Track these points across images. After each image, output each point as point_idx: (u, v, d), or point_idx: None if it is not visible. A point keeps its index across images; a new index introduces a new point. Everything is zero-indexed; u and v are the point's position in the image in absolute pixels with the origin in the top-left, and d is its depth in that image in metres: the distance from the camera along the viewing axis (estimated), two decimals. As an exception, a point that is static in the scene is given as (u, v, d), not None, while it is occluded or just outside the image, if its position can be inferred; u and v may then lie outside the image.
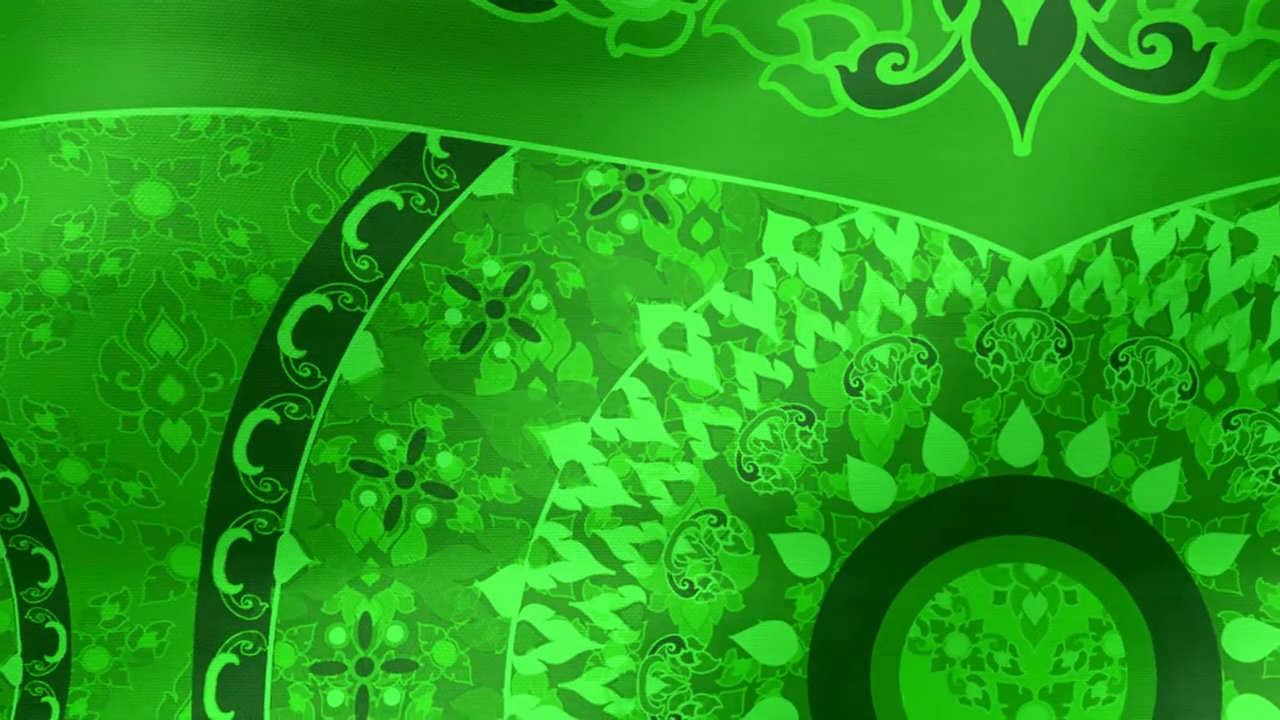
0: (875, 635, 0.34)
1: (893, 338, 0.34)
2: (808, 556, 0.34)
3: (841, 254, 0.34)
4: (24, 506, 0.32)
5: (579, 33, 0.33)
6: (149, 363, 0.32)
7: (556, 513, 0.34)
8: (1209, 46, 0.32)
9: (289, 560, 0.34)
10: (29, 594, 0.32)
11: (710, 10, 0.33)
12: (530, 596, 0.34)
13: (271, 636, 0.33)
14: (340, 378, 0.33)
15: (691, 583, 0.34)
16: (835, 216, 0.34)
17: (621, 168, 0.34)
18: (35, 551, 0.33)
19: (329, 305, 0.33)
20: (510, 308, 0.34)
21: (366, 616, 0.34)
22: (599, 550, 0.34)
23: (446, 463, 0.34)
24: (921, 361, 0.34)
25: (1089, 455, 0.34)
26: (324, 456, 0.34)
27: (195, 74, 0.31)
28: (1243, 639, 0.34)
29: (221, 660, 0.33)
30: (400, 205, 0.33)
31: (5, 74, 0.30)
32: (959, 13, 0.33)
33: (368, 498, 0.34)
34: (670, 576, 0.34)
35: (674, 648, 0.34)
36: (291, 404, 0.33)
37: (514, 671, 0.33)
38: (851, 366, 0.34)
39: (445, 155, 0.33)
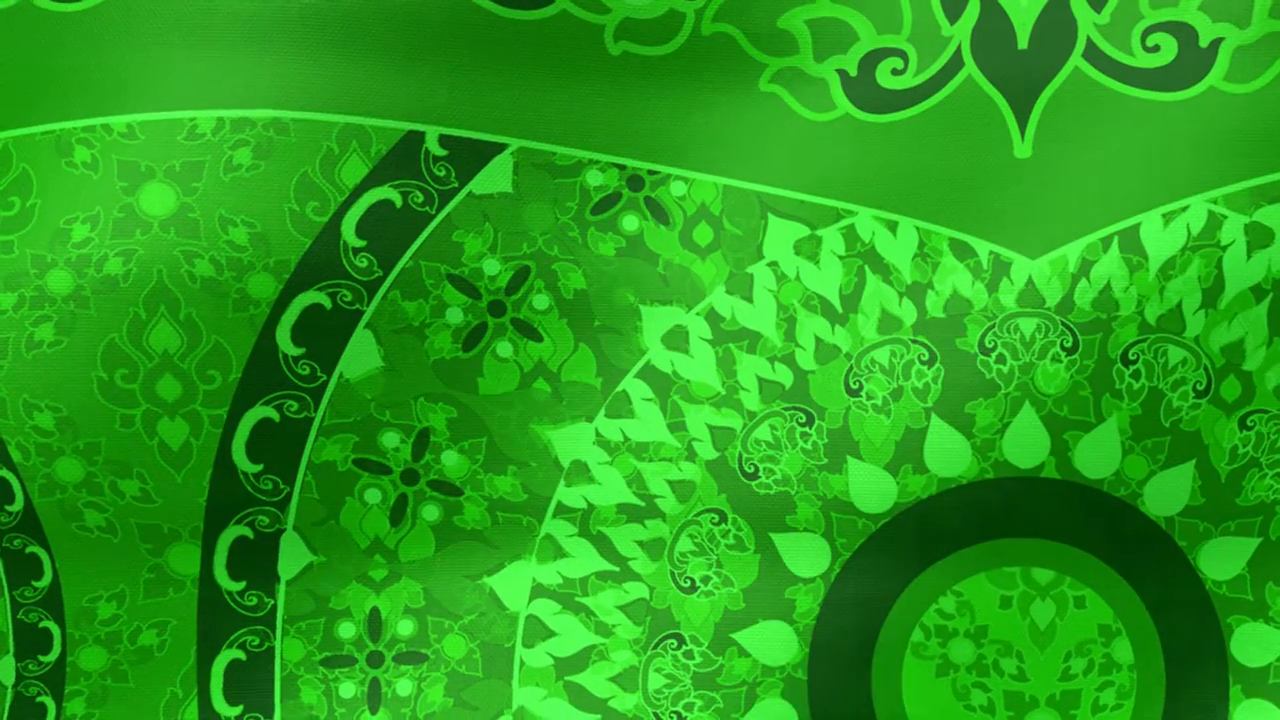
0: (877, 638, 0.33)
1: (893, 339, 0.33)
2: (808, 556, 0.33)
3: (841, 258, 0.33)
4: (19, 505, 0.32)
5: (577, 30, 0.32)
6: (148, 360, 0.31)
7: (562, 510, 0.33)
8: (1217, 42, 0.31)
9: (293, 557, 0.33)
10: (22, 593, 0.32)
11: (709, 8, 0.32)
12: (537, 591, 0.33)
13: (279, 632, 0.33)
14: (340, 376, 0.33)
15: (693, 580, 0.33)
16: (835, 221, 0.33)
17: (622, 168, 0.33)
18: (29, 550, 0.32)
19: (328, 303, 0.32)
20: (512, 307, 0.33)
21: (375, 611, 0.33)
22: (604, 547, 0.34)
23: (452, 461, 0.33)
24: (922, 363, 0.33)
25: (1099, 456, 0.32)
26: (325, 454, 0.33)
27: (203, 77, 0.31)
28: (1251, 644, 0.32)
29: (227, 656, 0.33)
30: (399, 203, 0.32)
31: (23, 84, 0.31)
32: (959, 17, 0.32)
33: (372, 495, 0.33)
34: (673, 573, 0.33)
35: (675, 644, 0.33)
36: (291, 402, 0.32)
37: (522, 664, 0.33)
38: (851, 368, 0.33)
39: (444, 153, 0.33)
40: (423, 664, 0.33)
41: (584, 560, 0.33)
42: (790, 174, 0.33)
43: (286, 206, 0.32)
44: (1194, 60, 0.31)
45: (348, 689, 0.33)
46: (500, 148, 0.33)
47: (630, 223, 0.33)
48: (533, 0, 0.32)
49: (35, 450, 0.31)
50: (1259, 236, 0.31)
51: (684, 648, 0.33)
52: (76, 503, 0.32)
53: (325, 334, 0.32)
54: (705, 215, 0.33)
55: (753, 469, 0.33)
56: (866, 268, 0.33)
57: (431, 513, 0.33)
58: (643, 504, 0.33)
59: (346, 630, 0.33)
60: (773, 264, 0.33)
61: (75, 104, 0.31)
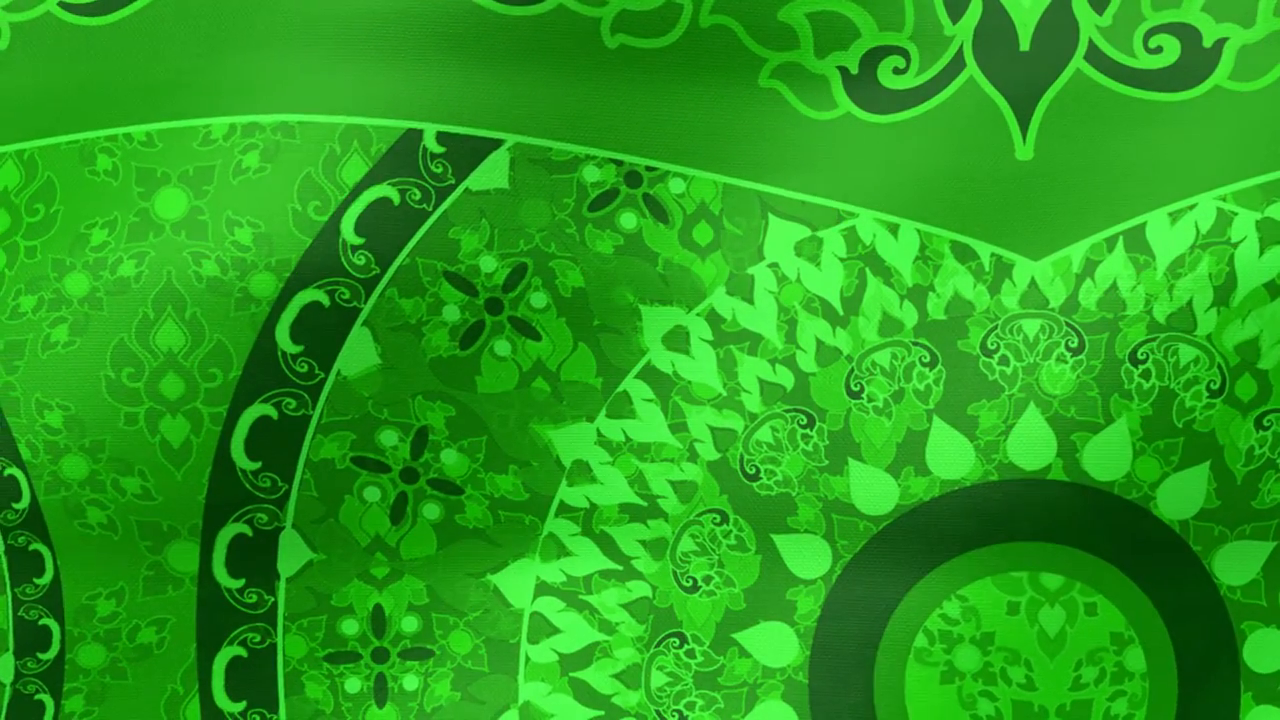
0: (879, 642, 0.32)
1: (894, 342, 0.32)
2: (809, 558, 0.32)
3: (842, 260, 0.32)
4: (25, 503, 0.32)
5: (574, 23, 0.32)
6: (153, 359, 0.31)
7: (565, 509, 0.33)
8: (1221, 42, 0.30)
9: (292, 555, 0.33)
10: (24, 590, 0.32)
11: (708, 0, 0.32)
12: (541, 589, 0.32)
13: (280, 629, 0.33)
14: (338, 373, 0.32)
15: (695, 580, 0.33)
16: (836, 222, 0.32)
17: (619, 164, 0.32)
18: (33, 548, 0.32)
19: (326, 301, 0.32)
20: (509, 305, 0.32)
21: (379, 608, 0.33)
22: (607, 546, 0.33)
23: (451, 460, 0.33)
24: (923, 365, 0.32)
25: (1108, 458, 0.31)
26: (324, 452, 0.33)
27: (216, 85, 0.32)
28: (1263, 650, 0.31)
29: (229, 653, 0.33)
30: (397, 200, 0.32)
31: (50, 95, 0.32)
32: (960, 16, 0.31)
33: (371, 493, 0.33)
34: (675, 573, 0.33)
35: (678, 643, 0.33)
36: (289, 399, 0.32)
37: (528, 660, 0.32)
38: (852, 370, 0.32)
39: (441, 150, 0.32)
40: (429, 659, 0.33)
41: (587, 559, 0.33)
42: (791, 174, 0.32)
43: (290, 206, 0.32)
44: (1197, 60, 0.30)
45: (353, 684, 0.33)
46: (497, 143, 0.32)
47: (628, 220, 0.32)
48: (530, -5, 0.32)
49: (44, 448, 0.32)
50: (1272, 232, 0.30)
51: (686, 647, 0.33)
52: (80, 500, 0.32)
53: (323, 332, 0.32)
54: (705, 214, 0.32)
55: (754, 470, 0.33)
56: (867, 270, 0.32)
57: (432, 511, 0.33)
58: (645, 504, 0.33)
59: (350, 627, 0.33)
60: (773, 265, 0.32)
61: (98, 114, 0.32)
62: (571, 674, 0.32)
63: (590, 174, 0.32)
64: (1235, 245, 0.30)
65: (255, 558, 0.33)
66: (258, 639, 0.33)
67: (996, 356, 0.31)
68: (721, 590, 0.33)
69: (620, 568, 0.33)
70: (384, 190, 0.32)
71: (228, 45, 0.32)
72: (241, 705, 0.33)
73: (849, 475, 0.32)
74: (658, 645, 0.33)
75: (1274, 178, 0.30)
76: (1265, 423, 0.30)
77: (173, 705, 0.33)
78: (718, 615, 0.33)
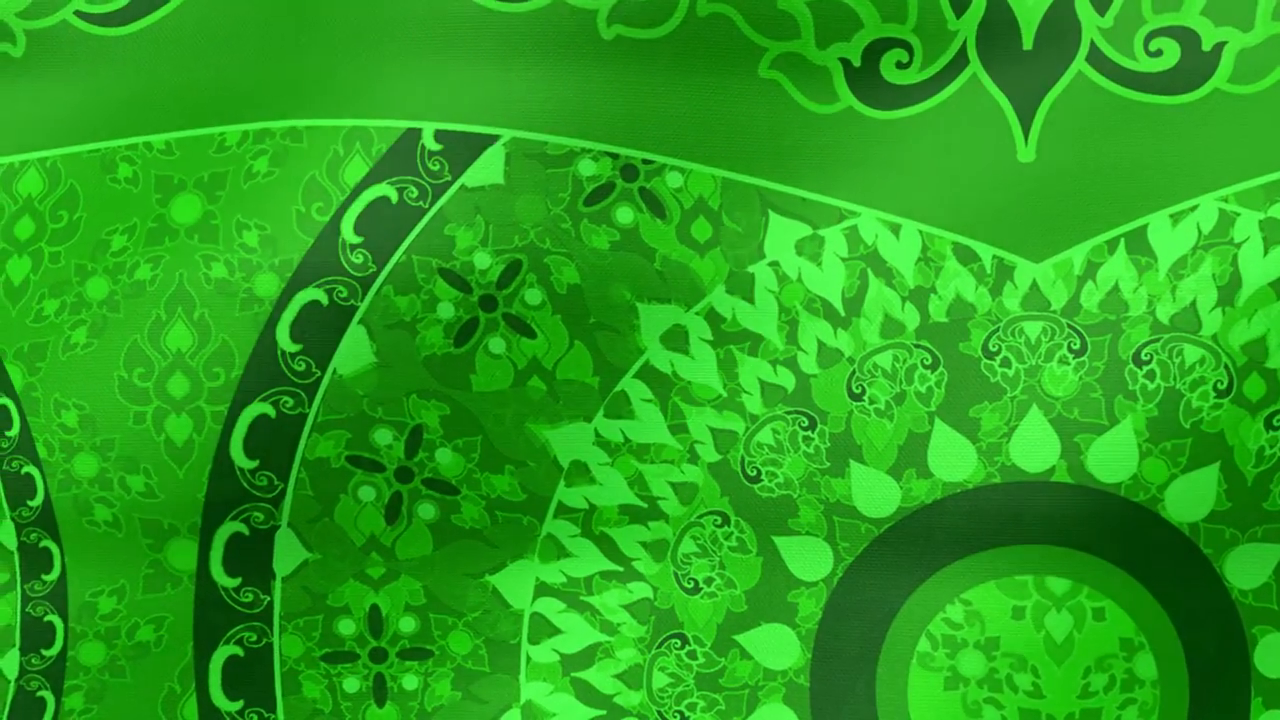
0: (881, 646, 0.33)
1: (895, 344, 0.33)
2: (810, 560, 0.33)
3: (844, 260, 0.33)
4: (39, 500, 0.34)
5: (570, 16, 0.33)
6: (162, 359, 0.33)
7: (564, 510, 0.34)
8: (1220, 45, 0.31)
9: (288, 554, 0.34)
10: (32, 587, 0.34)
11: None
12: (541, 590, 0.33)
13: (276, 628, 0.34)
14: (334, 372, 0.34)
15: (696, 581, 0.34)
16: (838, 221, 0.33)
17: (615, 157, 0.33)
18: (43, 544, 0.34)
19: (325, 299, 0.33)
20: (504, 302, 0.33)
21: (375, 609, 0.34)
22: (607, 547, 0.34)
23: (446, 459, 0.34)
24: (925, 367, 0.33)
25: (1114, 460, 0.32)
26: (319, 451, 0.34)
27: (231, 94, 0.33)
28: (1275, 655, 0.32)
29: (225, 652, 0.34)
30: (395, 199, 0.33)
31: (69, 105, 0.34)
32: (964, 10, 0.32)
33: (366, 493, 0.34)
34: (676, 574, 0.34)
35: (679, 644, 0.34)
36: (287, 398, 0.33)
37: (529, 660, 0.33)
38: (854, 372, 0.33)
39: (439, 147, 0.33)
40: (428, 660, 0.34)
41: (587, 560, 0.34)
42: (792, 169, 0.33)
43: (294, 208, 0.33)
44: (1197, 64, 0.31)
45: (351, 684, 0.34)
46: (493, 139, 0.33)
47: (625, 215, 0.33)
48: (527, -9, 0.33)
49: (59, 446, 0.33)
50: (1276, 231, 0.31)
51: (687, 648, 0.34)
52: (89, 498, 0.33)
53: (321, 330, 0.34)
54: (703, 209, 0.33)
55: (755, 472, 0.34)
56: (869, 271, 0.33)
57: (428, 511, 0.34)
58: (645, 506, 0.34)
59: (346, 627, 0.34)
60: (774, 264, 0.33)
61: (119, 123, 0.34)
62: (573, 674, 0.33)
63: (586, 168, 0.33)
64: (1239, 245, 0.31)
65: (251, 557, 0.34)
66: (254, 638, 0.34)
67: (998, 359, 0.32)
68: (723, 592, 0.34)
69: (621, 569, 0.34)
70: (383, 189, 0.33)
71: (241, 55, 0.33)
72: (239, 704, 0.34)
73: (850, 477, 0.33)
74: (659, 646, 0.34)
75: (1276, 178, 0.31)
76: (1275, 423, 0.31)
77: (170, 704, 0.34)
78: (719, 617, 0.34)
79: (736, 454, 0.34)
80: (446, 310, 0.34)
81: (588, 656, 0.34)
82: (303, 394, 0.33)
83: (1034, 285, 0.32)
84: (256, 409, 0.34)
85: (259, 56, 0.33)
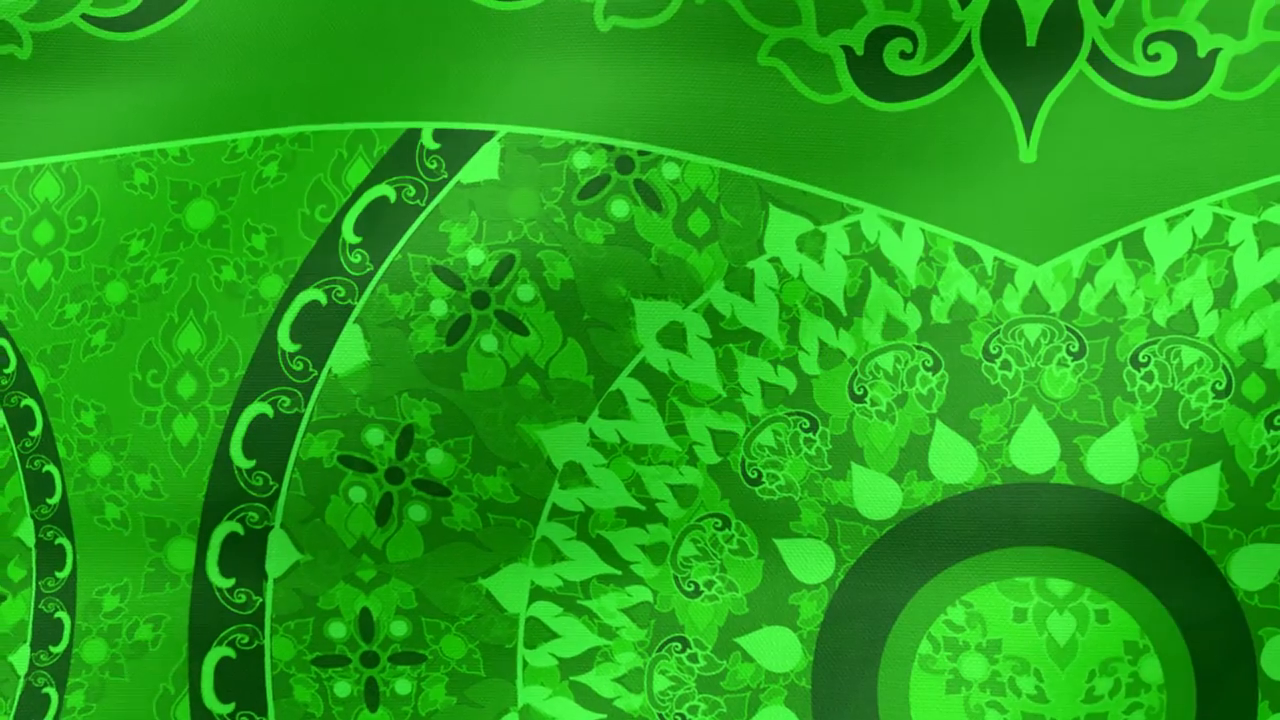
0: (883, 648, 0.36)
1: (897, 345, 0.36)
2: (812, 562, 0.36)
3: (846, 258, 0.35)
4: (57, 498, 0.37)
5: (567, 10, 0.35)
6: (173, 361, 0.37)
7: (558, 513, 0.36)
8: (1214, 52, 0.34)
9: (280, 555, 0.37)
10: (46, 584, 0.37)
11: None
12: (537, 593, 0.36)
13: (267, 631, 0.37)
14: (329, 371, 0.37)
15: (697, 584, 0.36)
16: (840, 217, 0.35)
17: (610, 149, 0.35)
18: (58, 541, 0.38)
19: (324, 299, 0.36)
20: (496, 298, 0.35)
21: (366, 612, 0.36)
22: (604, 550, 0.36)
23: (437, 460, 0.35)
24: (926, 369, 0.36)
25: (1113, 461, 0.35)
26: (312, 451, 0.36)
27: (243, 102, 0.36)
28: None
29: (218, 654, 0.37)
30: (393, 198, 0.36)
31: (81, 110, 0.37)
32: (969, 1, 0.34)
33: (357, 493, 0.36)
34: (676, 578, 0.36)
35: (680, 647, 0.36)
36: (285, 398, 0.36)
37: (525, 664, 0.35)
38: (856, 374, 0.36)
39: (437, 146, 0.36)
40: (420, 664, 0.36)
41: (584, 564, 0.36)
42: (792, 161, 0.35)
43: (300, 211, 0.37)
44: (1193, 70, 0.34)
45: (342, 688, 0.37)
46: (489, 135, 0.36)
47: (620, 208, 0.35)
48: (524, -11, 0.35)
49: (77, 446, 0.37)
50: (1270, 235, 0.34)
51: (688, 651, 0.37)
52: (101, 496, 0.37)
53: (319, 330, 0.37)
54: (701, 202, 0.35)
55: (756, 474, 0.36)
56: (872, 270, 0.36)
57: (419, 513, 0.37)
58: (643, 508, 0.36)
59: (337, 630, 0.37)
60: (774, 260, 0.36)
61: (133, 129, 0.37)
62: (572, 678, 0.36)
63: (580, 160, 0.35)
64: (1233, 249, 0.34)
65: (245, 557, 0.37)
66: (246, 640, 0.37)
67: (998, 361, 0.36)
68: (724, 595, 0.37)
69: (619, 572, 0.36)
70: (383, 189, 0.36)
71: (250, 61, 0.36)
72: (230, 707, 0.37)
73: (852, 480, 0.36)
74: (660, 650, 0.36)
75: (1269, 183, 0.34)
76: (1276, 422, 0.34)
77: (164, 705, 0.37)
78: (720, 620, 0.36)
79: (737, 456, 0.36)
80: (439, 308, 0.36)
81: (586, 660, 0.36)
82: (299, 394, 0.37)
83: (1034, 288, 0.35)
84: (256, 409, 0.37)
85: (266, 63, 0.37)
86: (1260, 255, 0.34)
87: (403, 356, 0.36)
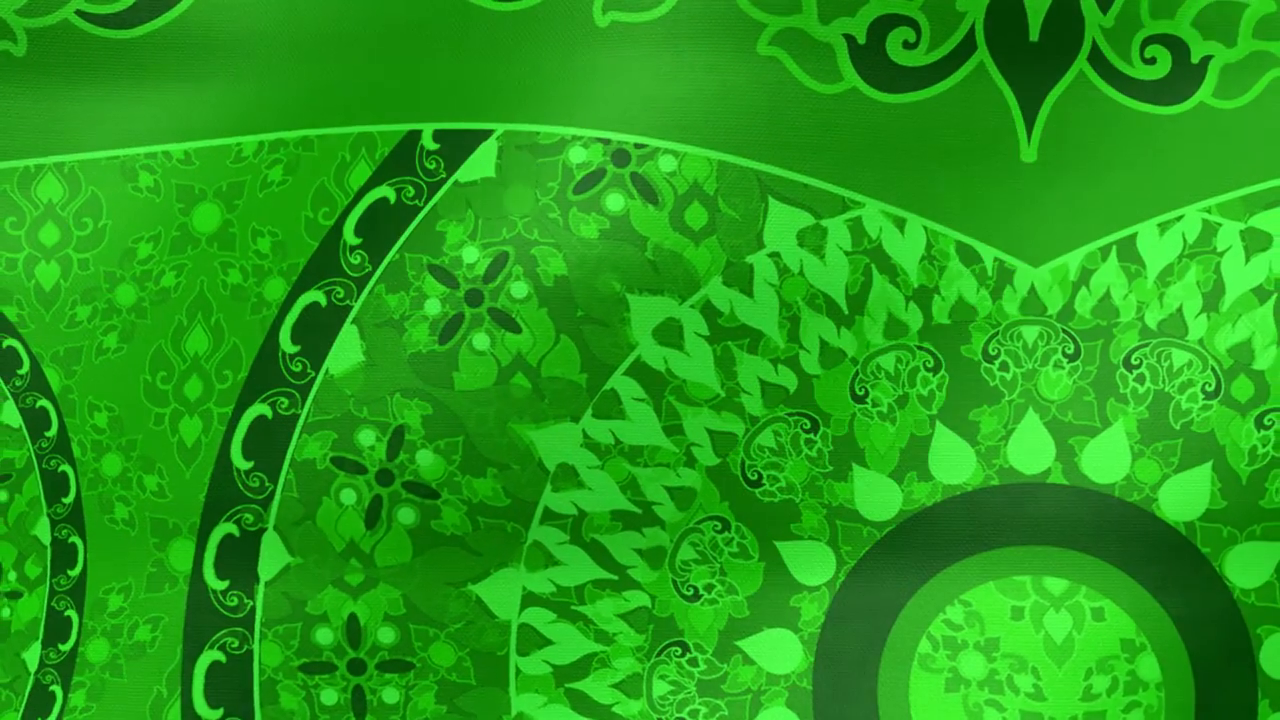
0: (883, 647, 0.39)
1: (899, 345, 0.39)
2: (813, 564, 0.39)
3: (848, 254, 0.38)
4: (71, 498, 0.41)
5: (566, 7, 0.39)
6: (182, 363, 0.40)
7: (550, 516, 0.38)
8: (1206, 59, 0.38)
9: (272, 557, 0.39)
10: (58, 581, 0.41)
11: None
12: (529, 600, 0.38)
13: (257, 635, 0.39)
14: (326, 372, 0.40)
15: (696, 588, 0.39)
16: (841, 211, 0.38)
17: (606, 142, 0.37)
18: (71, 540, 0.41)
19: (324, 300, 0.40)
20: (489, 296, 0.37)
21: (354, 618, 0.38)
22: (599, 555, 0.38)
23: (427, 461, 0.38)
24: (927, 369, 0.39)
25: (1106, 461, 0.39)
26: (307, 452, 0.39)
27: (246, 106, 0.40)
28: None
29: (209, 657, 0.39)
30: (393, 199, 0.40)
31: (78, 108, 0.40)
32: None
33: (347, 495, 0.38)
34: (675, 582, 0.38)
35: (680, 651, 0.38)
36: (283, 399, 0.40)
37: (518, 672, 0.37)
38: (857, 374, 0.39)
39: (436, 147, 0.40)
40: (409, 672, 0.39)
41: (578, 568, 0.39)
42: (792, 152, 0.38)
43: (303, 214, 0.40)
44: (1186, 75, 0.38)
45: (329, 696, 0.39)
46: (486, 134, 0.39)
47: (615, 202, 0.37)
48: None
49: (90, 446, 0.40)
50: (1256, 241, 0.38)
51: (688, 655, 0.39)
52: (111, 496, 0.40)
53: (318, 331, 0.40)
54: (698, 194, 0.38)
55: (756, 476, 0.39)
56: (874, 267, 0.39)
57: (407, 516, 0.39)
58: (639, 511, 0.39)
59: (324, 636, 0.40)
60: (774, 255, 0.38)
61: (135, 132, 0.40)
62: (568, 685, 0.38)
63: (576, 155, 0.38)
64: (1221, 254, 0.38)
65: (240, 559, 0.40)
66: (236, 644, 0.40)
67: (997, 362, 0.39)
68: (724, 598, 0.39)
69: (615, 577, 0.39)
70: (383, 191, 0.40)
71: (249, 63, 0.39)
72: (219, 713, 0.40)
73: (853, 481, 0.40)
74: (659, 655, 0.39)
75: (1254, 190, 0.38)
76: (1266, 422, 0.37)
77: (157, 708, 0.40)
78: (720, 623, 0.39)
79: (736, 457, 0.39)
80: (433, 307, 0.39)
81: (582, 667, 0.38)
82: (297, 394, 0.40)
83: (1032, 290, 0.39)
84: (256, 410, 0.40)
85: (266, 65, 0.40)
86: (1247, 260, 0.38)
87: (396, 356, 0.39)
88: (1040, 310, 0.39)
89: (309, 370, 0.40)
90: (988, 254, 0.38)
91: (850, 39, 0.37)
